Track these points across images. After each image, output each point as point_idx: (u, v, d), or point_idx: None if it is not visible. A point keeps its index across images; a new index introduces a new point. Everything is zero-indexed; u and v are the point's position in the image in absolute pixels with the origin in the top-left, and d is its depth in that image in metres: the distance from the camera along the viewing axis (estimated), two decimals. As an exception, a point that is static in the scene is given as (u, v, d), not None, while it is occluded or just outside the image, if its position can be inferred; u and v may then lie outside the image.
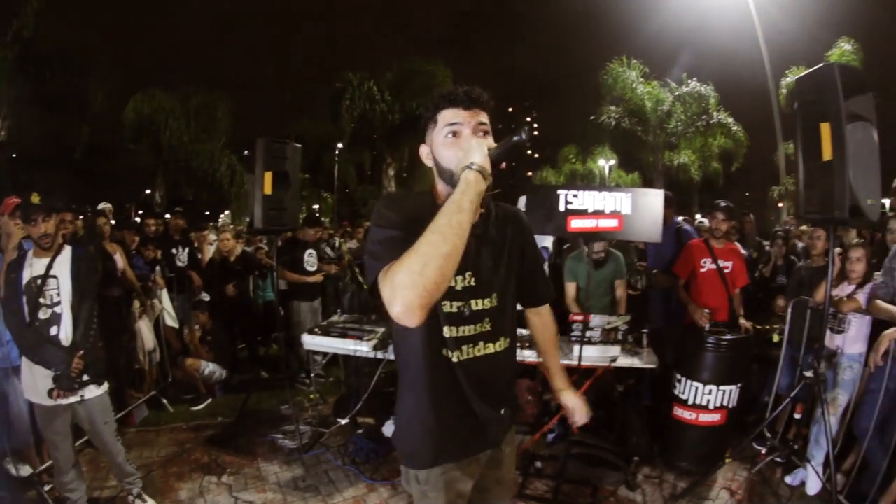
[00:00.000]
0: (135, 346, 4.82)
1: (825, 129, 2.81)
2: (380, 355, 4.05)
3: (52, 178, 16.23)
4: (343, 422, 4.41)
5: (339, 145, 23.10)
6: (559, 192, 3.51)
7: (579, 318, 3.84)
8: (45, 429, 3.00)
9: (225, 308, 5.79)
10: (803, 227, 5.04)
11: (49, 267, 2.92)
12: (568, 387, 1.93)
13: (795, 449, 3.69)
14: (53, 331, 2.90)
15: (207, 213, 25.42)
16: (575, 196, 3.49)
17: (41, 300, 2.88)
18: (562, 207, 3.48)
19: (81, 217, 4.88)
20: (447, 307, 1.50)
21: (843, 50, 14.88)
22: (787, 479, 3.67)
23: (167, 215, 6.69)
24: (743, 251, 4.85)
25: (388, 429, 4.14)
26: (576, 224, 3.49)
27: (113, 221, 6.14)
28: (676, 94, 18.72)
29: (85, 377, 2.94)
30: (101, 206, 6.05)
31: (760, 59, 14.62)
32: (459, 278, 1.49)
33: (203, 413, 4.88)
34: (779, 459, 3.85)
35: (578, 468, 3.74)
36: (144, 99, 17.27)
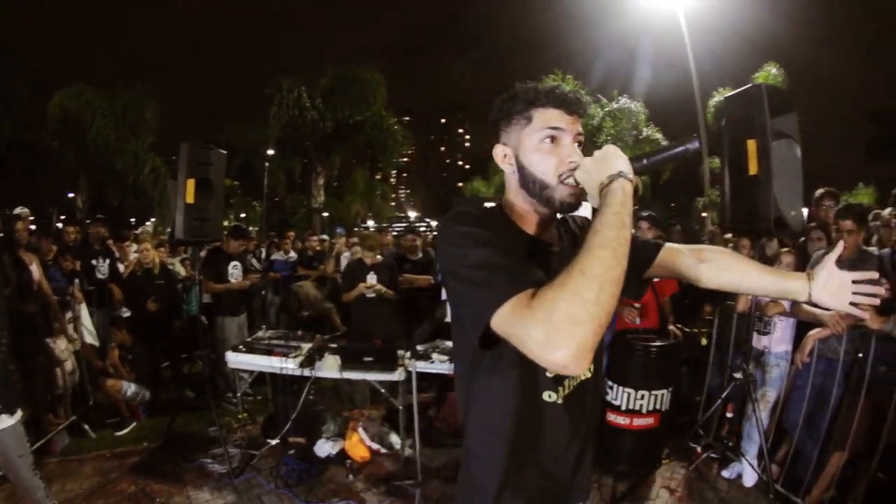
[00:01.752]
0: (52, 368, 4.45)
1: (752, 145, 2.96)
2: (307, 373, 3.94)
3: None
4: (273, 442, 4.27)
5: (270, 152, 22.30)
6: (486, 205, 3.46)
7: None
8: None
9: (146, 324, 5.47)
10: (727, 236, 5.25)
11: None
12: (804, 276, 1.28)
13: (730, 445, 3.87)
14: (-41, 354, 2.63)
15: (133, 220, 24.06)
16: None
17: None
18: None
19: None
20: None
21: (769, 73, 15.66)
22: (724, 474, 3.86)
23: (88, 221, 6.26)
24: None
25: (320, 448, 4.07)
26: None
27: (33, 227, 5.69)
28: (607, 109, 19.25)
29: (-6, 406, 2.66)
30: (17, 210, 5.58)
31: (690, 79, 15.29)
32: None
33: (127, 438, 4.57)
34: (714, 455, 4.03)
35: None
36: (71, 94, 16.00)
